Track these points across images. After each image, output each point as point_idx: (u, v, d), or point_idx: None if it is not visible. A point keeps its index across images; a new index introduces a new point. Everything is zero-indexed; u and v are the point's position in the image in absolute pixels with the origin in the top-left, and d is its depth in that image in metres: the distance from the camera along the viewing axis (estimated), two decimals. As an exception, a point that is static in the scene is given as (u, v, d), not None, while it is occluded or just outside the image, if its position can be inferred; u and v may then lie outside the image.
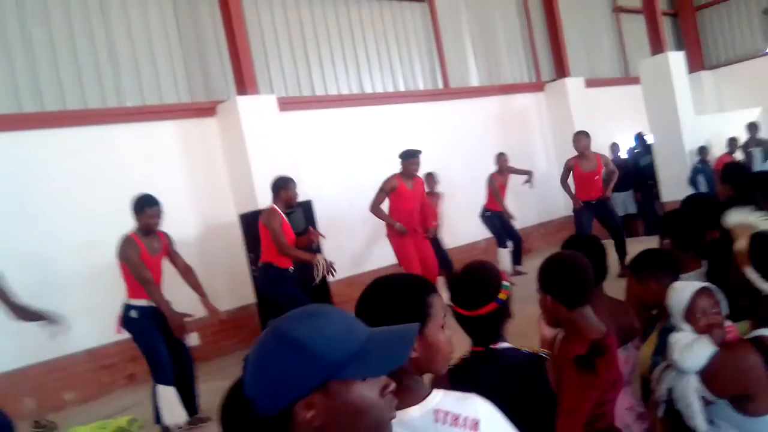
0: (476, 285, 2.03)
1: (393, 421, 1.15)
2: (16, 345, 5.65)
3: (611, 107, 12.21)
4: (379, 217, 6.77)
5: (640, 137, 11.51)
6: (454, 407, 1.42)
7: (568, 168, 7.97)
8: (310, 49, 8.91)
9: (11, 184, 6.24)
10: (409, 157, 6.69)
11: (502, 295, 2.01)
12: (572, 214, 8.26)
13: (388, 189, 6.71)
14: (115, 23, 7.22)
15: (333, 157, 8.66)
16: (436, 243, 8.06)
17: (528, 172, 9.22)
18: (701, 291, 2.20)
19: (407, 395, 1.42)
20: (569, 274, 2.17)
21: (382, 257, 8.14)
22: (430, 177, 8.58)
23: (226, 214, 7.58)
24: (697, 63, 14.78)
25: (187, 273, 5.10)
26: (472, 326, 2.04)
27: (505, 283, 2.06)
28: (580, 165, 7.82)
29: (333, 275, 5.71)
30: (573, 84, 11.68)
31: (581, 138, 7.86)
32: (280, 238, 5.46)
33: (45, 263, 6.28)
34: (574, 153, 8.04)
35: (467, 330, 2.05)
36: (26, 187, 6.33)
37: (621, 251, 7.46)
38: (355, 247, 8.56)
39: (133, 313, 4.70)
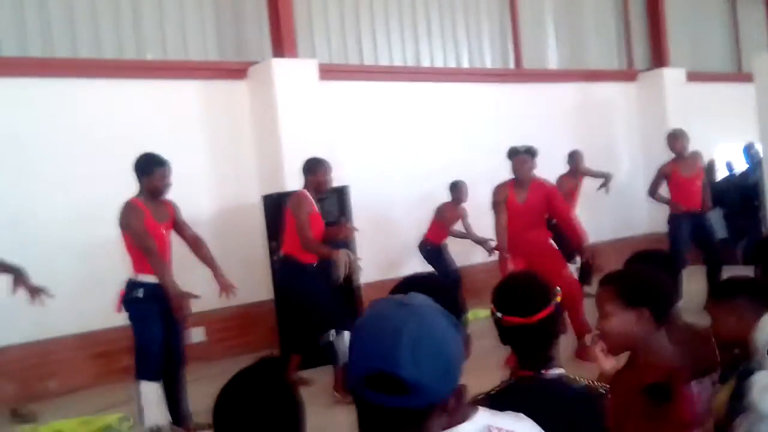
0: (531, 287, 2.12)
1: None
2: None
3: (716, 107, 11.95)
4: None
5: (749, 149, 11.24)
6: (508, 425, 1.52)
7: (664, 175, 7.78)
8: (362, 11, 8.99)
9: (8, 140, 6.47)
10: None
11: (557, 298, 2.10)
12: (658, 230, 8.13)
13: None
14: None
15: (378, 139, 8.72)
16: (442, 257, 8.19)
17: (605, 175, 9.13)
18: None
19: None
20: (664, 285, 2.25)
21: (418, 264, 8.19)
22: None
23: (249, 193, 7.69)
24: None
25: (196, 245, 5.20)
26: (525, 339, 2.08)
27: (556, 288, 2.14)
28: (679, 169, 7.69)
29: (358, 275, 5.77)
30: (672, 76, 11.51)
31: (679, 137, 7.72)
32: (305, 231, 5.56)
33: (31, 231, 6.47)
34: (665, 157, 7.92)
35: (518, 346, 2.12)
36: (18, 140, 6.53)
37: (714, 278, 7.33)
38: (392, 245, 8.60)
39: (139, 293, 4.79)
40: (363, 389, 1.24)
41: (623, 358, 2.36)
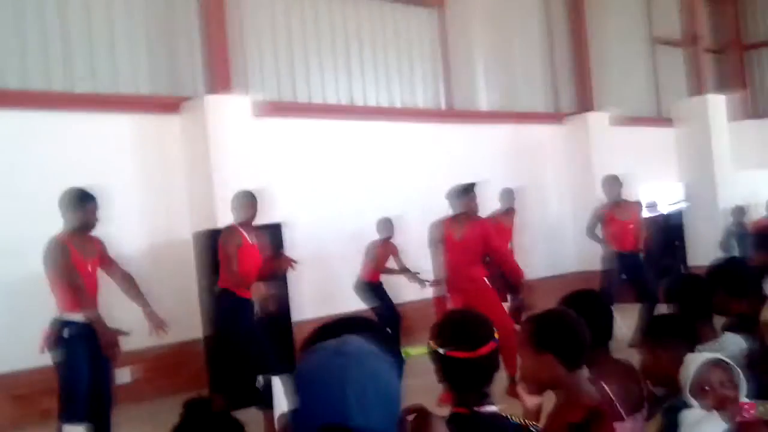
0: (474, 323, 2.17)
1: None
2: None
3: (638, 149, 12.37)
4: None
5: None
6: None
7: (598, 217, 8.08)
8: (296, 48, 9.04)
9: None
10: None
11: (496, 334, 2.14)
12: (587, 269, 8.35)
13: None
14: (72, -5, 7.32)
15: (312, 176, 8.74)
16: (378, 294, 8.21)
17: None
18: (712, 364, 2.28)
19: None
20: (573, 332, 2.28)
21: (355, 299, 8.22)
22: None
23: (180, 230, 7.60)
24: (741, 109, 15.02)
25: (126, 282, 5.14)
26: (466, 375, 2.10)
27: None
28: (614, 213, 7.95)
29: (275, 307, 5.76)
30: (596, 119, 11.89)
31: (615, 183, 8.04)
32: (232, 265, 5.54)
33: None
34: (591, 196, 8.18)
35: (457, 382, 2.13)
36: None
37: (648, 316, 7.54)
38: (327, 282, 8.57)
39: (65, 332, 4.68)
40: None
41: (550, 395, 2.41)
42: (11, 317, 6.34)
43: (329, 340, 1.42)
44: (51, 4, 7.18)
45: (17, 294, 6.35)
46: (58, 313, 4.76)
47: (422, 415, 1.65)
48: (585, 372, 2.31)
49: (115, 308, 5.14)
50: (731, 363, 2.31)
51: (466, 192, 6.27)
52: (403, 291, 8.77)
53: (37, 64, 7.08)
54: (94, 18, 7.45)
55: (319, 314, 8.10)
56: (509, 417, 2.15)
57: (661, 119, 13.33)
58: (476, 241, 6.27)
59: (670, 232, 11.21)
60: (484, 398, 2.11)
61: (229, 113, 7.69)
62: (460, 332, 2.13)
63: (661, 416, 2.59)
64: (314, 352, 1.38)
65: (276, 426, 5.35)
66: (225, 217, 6.59)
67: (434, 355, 2.12)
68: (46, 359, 4.82)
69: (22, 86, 6.94)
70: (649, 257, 10.76)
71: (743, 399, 2.27)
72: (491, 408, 2.11)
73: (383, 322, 7.82)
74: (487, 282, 6.48)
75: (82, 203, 4.80)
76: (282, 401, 5.39)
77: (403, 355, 2.03)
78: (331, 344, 1.37)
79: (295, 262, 5.99)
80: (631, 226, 8.03)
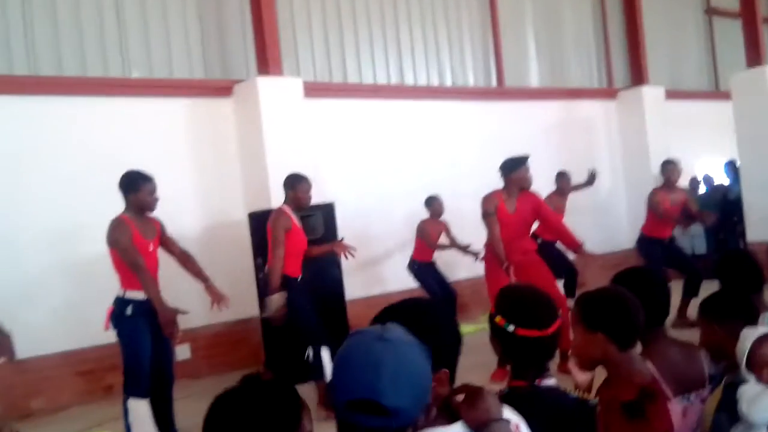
0: (544, 301, 2.15)
1: None
2: None
3: (694, 125, 12.17)
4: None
5: (731, 166, 11.37)
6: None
7: (659, 200, 7.93)
8: (346, 30, 9.07)
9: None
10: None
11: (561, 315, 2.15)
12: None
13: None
14: (126, -17, 7.46)
15: (362, 155, 8.80)
16: (435, 272, 8.23)
17: (590, 175, 9.46)
18: (763, 338, 2.26)
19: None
20: (626, 313, 2.27)
21: (405, 278, 8.29)
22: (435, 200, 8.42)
23: (235, 211, 7.73)
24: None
25: (185, 259, 5.25)
26: (533, 351, 2.10)
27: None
28: (669, 198, 7.84)
29: (276, 323, 5.79)
30: (651, 94, 11.67)
31: (677, 169, 7.92)
32: (278, 248, 5.60)
33: (17, 250, 6.47)
34: (645, 174, 8.07)
35: (523, 358, 2.13)
36: (13, 161, 6.54)
37: (693, 293, 7.45)
38: (376, 261, 8.66)
39: (128, 310, 4.79)
40: (347, 412, 1.42)
41: (601, 372, 2.41)
42: (76, 297, 6.57)
43: (374, 326, 1.54)
44: (107, -6, 7.35)
45: (81, 275, 6.57)
46: (120, 291, 4.87)
47: (473, 391, 1.69)
48: (638, 350, 2.30)
49: (175, 287, 5.26)
50: None
51: (519, 164, 6.20)
52: (456, 269, 8.81)
53: (95, 52, 7.24)
54: (148, 5, 7.58)
55: (370, 293, 8.28)
56: (567, 391, 2.17)
57: (718, 93, 13.04)
58: (528, 213, 6.25)
59: (727, 208, 10.96)
60: (544, 372, 2.12)
61: (279, 95, 7.75)
62: (531, 311, 2.09)
63: (720, 392, 2.58)
64: (358, 334, 1.51)
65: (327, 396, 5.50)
66: (278, 197, 6.67)
67: (500, 331, 2.11)
68: (111, 336, 4.95)
69: (81, 73, 7.11)
70: (707, 232, 10.63)
71: None
72: (550, 381, 2.11)
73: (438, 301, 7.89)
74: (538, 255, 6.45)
75: (140, 185, 4.89)
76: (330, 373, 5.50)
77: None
78: (374, 329, 1.50)
79: (353, 249, 6.00)
80: (677, 212, 7.94)
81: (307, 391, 5.93)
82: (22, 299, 6.25)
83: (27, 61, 6.84)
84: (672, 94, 12.02)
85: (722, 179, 11.83)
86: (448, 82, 10.05)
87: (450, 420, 1.66)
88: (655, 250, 7.82)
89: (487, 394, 1.71)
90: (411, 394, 1.41)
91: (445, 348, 1.75)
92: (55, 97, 6.86)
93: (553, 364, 2.35)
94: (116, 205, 4.97)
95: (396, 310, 1.79)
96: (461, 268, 8.83)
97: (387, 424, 1.39)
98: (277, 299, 5.60)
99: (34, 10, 6.89)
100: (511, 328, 2.07)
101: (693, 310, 6.89)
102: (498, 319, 2.11)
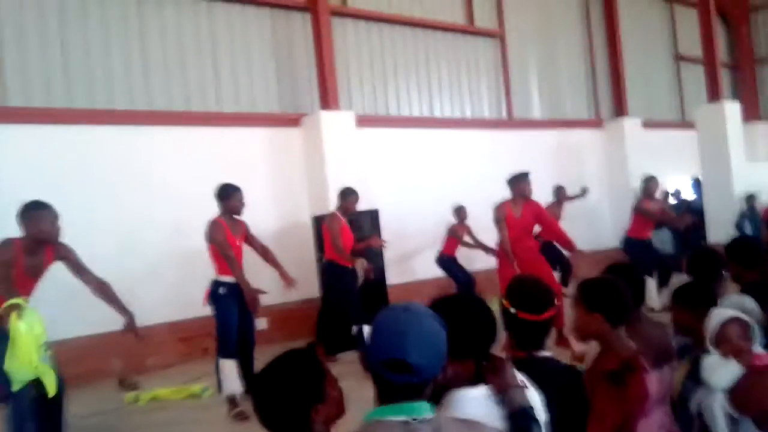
0: (542, 292, 2.13)
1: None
2: (109, 311, 5.81)
3: (666, 149, 11.96)
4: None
5: (696, 182, 11.18)
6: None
7: (647, 207, 7.82)
8: (388, 73, 9.11)
9: (120, 174, 6.62)
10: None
11: (557, 302, 2.13)
12: (618, 245, 8.16)
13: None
14: (221, 37, 7.59)
15: (400, 173, 8.80)
16: (456, 265, 8.17)
17: (583, 189, 9.40)
18: (730, 320, 2.24)
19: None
20: (619, 295, 2.26)
21: (432, 269, 8.29)
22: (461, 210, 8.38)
23: (301, 215, 7.80)
24: (753, 114, 14.32)
25: (265, 252, 5.26)
26: (530, 331, 2.09)
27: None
28: (651, 206, 7.76)
29: (369, 279, 5.89)
30: (630, 123, 11.54)
31: (656, 183, 7.86)
32: (337, 240, 5.72)
33: (140, 243, 6.62)
34: (626, 189, 7.96)
35: (522, 335, 2.12)
36: (133, 177, 6.70)
37: (664, 284, 7.35)
38: (411, 256, 8.66)
39: (222, 290, 4.84)
40: (381, 370, 1.43)
41: (595, 345, 2.40)
42: (180, 279, 6.67)
43: (402, 302, 1.56)
44: (207, 46, 7.47)
45: (185, 262, 6.66)
46: (215, 276, 4.93)
47: (495, 359, 1.71)
48: (623, 330, 2.29)
49: (255, 274, 5.32)
50: (748, 319, 2.27)
51: (522, 178, 6.17)
52: (475, 262, 8.79)
53: (198, 90, 7.38)
54: (236, 54, 7.70)
55: (406, 280, 8.30)
56: (558, 360, 2.16)
57: (685, 123, 12.79)
58: (531, 218, 6.18)
59: (692, 215, 10.77)
60: (540, 346, 2.11)
61: (337, 125, 7.81)
62: (531, 298, 2.09)
63: (687, 362, 2.56)
64: (389, 308, 1.52)
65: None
66: (335, 204, 6.75)
67: (506, 312, 2.11)
68: (206, 310, 5.01)
69: (186, 108, 7.26)
70: (676, 235, 10.44)
71: (757, 350, 2.22)
72: (545, 353, 2.11)
73: (460, 286, 7.89)
74: (539, 253, 6.40)
75: (231, 194, 4.94)
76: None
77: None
78: (401, 303, 1.52)
79: (384, 241, 6.08)
80: (658, 217, 7.81)
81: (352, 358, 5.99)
82: (141, 281, 6.37)
83: (146, 98, 7.00)
84: (648, 124, 11.85)
85: (688, 193, 11.63)
86: (468, 114, 10.02)
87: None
88: (639, 249, 7.68)
89: (509, 365, 1.72)
90: (431, 354, 1.41)
91: (482, 335, 1.76)
92: (168, 128, 7.03)
93: (551, 340, 2.34)
94: (212, 209, 5.03)
95: (446, 303, 1.80)
96: (478, 261, 8.81)
97: (412, 380, 1.40)
98: (360, 263, 5.69)
99: (149, 53, 7.04)
100: (513, 310, 2.07)
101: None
102: (505, 302, 2.12)
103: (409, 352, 1.39)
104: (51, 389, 3.46)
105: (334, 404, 1.56)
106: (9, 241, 3.75)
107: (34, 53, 6.36)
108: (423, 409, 1.42)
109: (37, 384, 3.47)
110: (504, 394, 1.66)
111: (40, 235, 3.79)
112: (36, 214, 3.79)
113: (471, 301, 1.92)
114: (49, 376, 3.45)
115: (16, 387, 3.40)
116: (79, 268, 4.06)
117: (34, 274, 3.87)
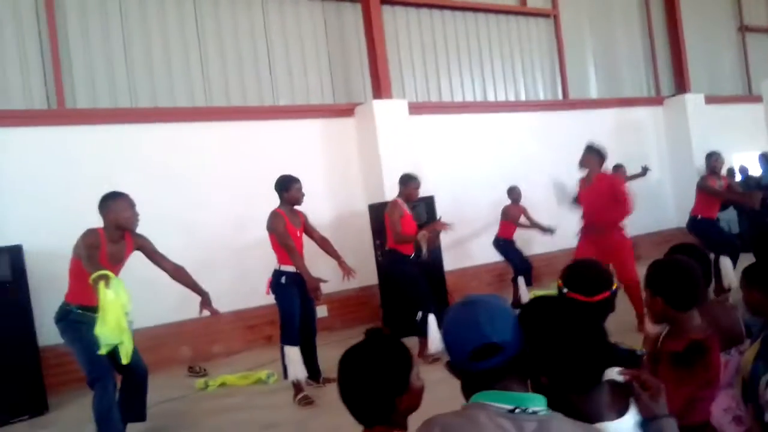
0: (596, 274, 2.10)
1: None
2: (178, 303, 5.93)
3: (731, 125, 11.44)
4: None
5: (763, 158, 10.65)
6: None
7: (710, 184, 7.53)
8: (439, 59, 9.04)
9: (182, 170, 6.83)
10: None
11: (614, 286, 2.09)
12: (682, 225, 7.85)
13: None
14: (274, 32, 7.69)
15: (454, 158, 8.75)
16: (512, 249, 7.98)
17: (643, 169, 9.10)
18: None
19: None
20: (680, 279, 2.21)
21: (488, 253, 8.21)
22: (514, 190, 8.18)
23: (357, 203, 7.86)
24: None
25: (323, 243, 5.30)
26: (580, 312, 2.06)
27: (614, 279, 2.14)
28: (716, 183, 7.45)
29: (432, 248, 5.85)
30: (692, 100, 11.06)
31: (720, 159, 7.50)
32: (396, 228, 5.69)
33: (202, 235, 6.80)
34: (689, 168, 7.66)
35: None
36: (195, 172, 6.90)
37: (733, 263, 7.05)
38: (467, 241, 8.62)
39: (283, 279, 4.93)
40: (470, 366, 1.43)
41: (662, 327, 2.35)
42: (245, 269, 6.83)
43: (457, 301, 1.57)
44: (261, 42, 7.60)
45: (249, 253, 6.82)
46: (277, 266, 5.00)
47: (656, 386, 1.66)
48: (695, 312, 2.22)
49: (314, 263, 5.40)
50: None
51: (592, 152, 6.05)
52: (532, 245, 8.68)
53: (253, 86, 7.52)
54: (290, 48, 7.80)
55: (462, 266, 8.27)
56: (618, 343, 2.11)
57: (751, 97, 12.21)
58: (604, 189, 5.94)
59: (763, 192, 10.29)
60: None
61: (390, 113, 7.80)
62: (582, 279, 2.06)
63: (759, 344, 2.48)
64: (449, 311, 1.54)
65: (427, 349, 5.52)
66: (390, 192, 6.77)
67: (559, 292, 2.10)
68: (270, 299, 5.09)
69: (243, 103, 7.40)
70: (742, 214, 10.01)
71: None
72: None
73: (516, 271, 7.78)
74: (624, 233, 6.01)
75: (291, 185, 4.99)
76: (433, 331, 5.53)
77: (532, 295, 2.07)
78: (456, 302, 1.54)
79: (448, 224, 6.02)
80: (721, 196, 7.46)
81: (411, 343, 6.03)
82: (207, 271, 6.45)
83: (204, 95, 7.20)
84: (711, 99, 11.35)
85: (755, 170, 11.09)
86: (522, 97, 9.85)
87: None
88: (707, 229, 7.37)
89: (664, 391, 1.63)
90: (508, 328, 1.43)
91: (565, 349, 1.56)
92: (229, 123, 7.18)
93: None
94: (272, 200, 5.10)
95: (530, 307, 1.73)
96: (536, 245, 8.69)
97: (503, 358, 1.40)
98: (421, 236, 5.64)
99: (207, 52, 7.22)
100: (564, 290, 2.06)
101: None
102: (559, 282, 2.11)
103: (489, 334, 1.41)
104: (126, 357, 3.62)
105: (416, 396, 1.56)
106: (94, 230, 3.97)
107: (99, 57, 6.62)
108: (534, 401, 1.40)
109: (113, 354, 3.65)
110: (653, 421, 1.58)
111: (120, 221, 3.99)
112: (114, 202, 4.00)
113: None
114: (129, 342, 3.61)
115: (104, 350, 3.55)
116: (156, 255, 4.25)
117: (116, 261, 4.06)
